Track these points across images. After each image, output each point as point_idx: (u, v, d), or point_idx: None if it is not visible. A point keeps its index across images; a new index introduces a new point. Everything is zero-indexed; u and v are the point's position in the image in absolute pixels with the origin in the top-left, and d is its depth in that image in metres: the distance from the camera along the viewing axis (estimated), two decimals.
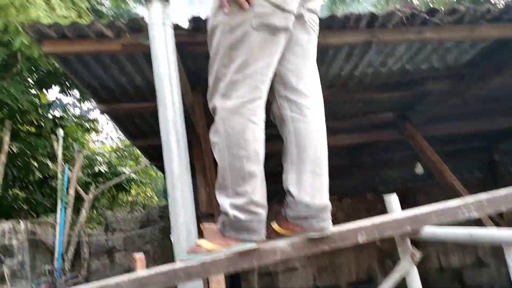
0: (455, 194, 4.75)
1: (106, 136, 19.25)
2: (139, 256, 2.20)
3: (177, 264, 1.77)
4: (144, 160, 10.83)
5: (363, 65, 3.81)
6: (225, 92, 1.82)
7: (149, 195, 13.93)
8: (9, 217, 8.85)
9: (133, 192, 12.10)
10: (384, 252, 7.20)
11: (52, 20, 4.90)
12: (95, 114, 19.20)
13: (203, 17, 3.06)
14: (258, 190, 1.80)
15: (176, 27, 2.93)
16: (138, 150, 11.79)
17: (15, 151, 9.34)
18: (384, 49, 3.51)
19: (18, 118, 9.91)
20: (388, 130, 5.48)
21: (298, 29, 1.96)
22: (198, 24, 3.10)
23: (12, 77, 7.98)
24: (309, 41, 2.00)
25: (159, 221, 7.71)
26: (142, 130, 5.22)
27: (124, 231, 7.63)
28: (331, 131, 5.03)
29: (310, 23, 2.00)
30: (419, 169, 6.93)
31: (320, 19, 2.99)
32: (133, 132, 5.25)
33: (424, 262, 6.42)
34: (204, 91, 4.05)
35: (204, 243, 1.81)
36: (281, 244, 1.82)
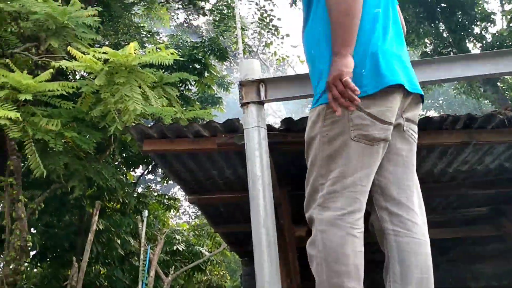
0: None
1: (184, 211, 19.78)
2: None
3: None
4: (221, 241, 10.88)
5: (457, 163, 3.68)
6: (323, 203, 1.79)
7: (222, 273, 13.84)
8: None
9: (207, 271, 12.09)
10: None
11: (149, 111, 5.26)
12: (174, 190, 19.87)
13: (294, 119, 3.15)
14: None
15: (269, 128, 3.03)
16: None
17: (100, 227, 9.76)
18: (481, 148, 3.38)
19: (106, 196, 10.47)
20: (482, 225, 5.16)
21: (398, 139, 1.92)
22: (289, 125, 3.18)
23: (105, 159, 8.51)
24: (409, 151, 1.95)
25: None
26: (225, 218, 5.29)
27: None
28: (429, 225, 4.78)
29: (409, 133, 1.96)
30: None
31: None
32: (216, 220, 5.33)
33: None
34: (291, 185, 4.10)
35: None
36: None
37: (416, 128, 2.01)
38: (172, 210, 13.26)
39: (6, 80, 4.88)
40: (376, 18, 1.92)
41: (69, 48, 5.28)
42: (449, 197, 4.59)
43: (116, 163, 10.71)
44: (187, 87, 10.80)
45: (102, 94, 5.12)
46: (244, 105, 2.74)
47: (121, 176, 10.84)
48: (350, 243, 1.71)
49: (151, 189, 13.47)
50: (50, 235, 9.87)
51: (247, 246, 5.67)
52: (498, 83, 11.75)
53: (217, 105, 11.23)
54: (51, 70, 5.23)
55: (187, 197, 4.40)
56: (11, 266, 6.54)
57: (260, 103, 2.74)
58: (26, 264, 10.85)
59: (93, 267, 10.37)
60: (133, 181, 11.96)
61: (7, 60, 5.48)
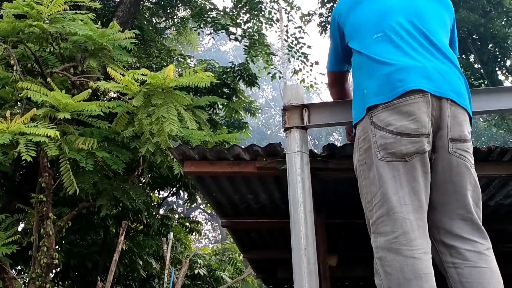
0: None
1: (204, 235, 19.71)
2: None
3: None
4: (241, 265, 10.76)
5: (500, 196, 3.58)
6: (376, 229, 1.79)
7: None
8: None
9: None
10: None
11: (184, 133, 5.29)
12: (196, 213, 19.86)
13: (338, 145, 3.13)
14: None
15: (311, 154, 3.00)
16: (236, 255, 11.83)
17: (124, 248, 9.75)
18: None
19: (130, 216, 10.51)
20: None
21: (444, 163, 1.86)
22: (332, 151, 3.16)
23: (132, 180, 8.56)
24: (459, 174, 1.87)
25: None
26: (255, 243, 5.23)
27: None
28: None
29: (457, 154, 1.87)
30: None
31: None
32: (247, 245, 5.28)
33: None
34: (327, 212, 4.05)
35: None
36: None
37: (467, 145, 1.91)
38: (194, 233, 13.22)
39: (46, 98, 4.98)
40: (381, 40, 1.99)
41: (108, 69, 5.37)
42: (489, 232, 4.45)
43: (141, 184, 10.77)
44: (215, 111, 10.88)
45: (139, 115, 5.17)
46: (287, 130, 2.73)
47: (146, 198, 10.90)
48: (409, 265, 1.67)
49: (174, 212, 13.44)
50: (74, 254, 9.88)
51: (274, 273, 5.59)
52: None
53: (243, 130, 11.27)
54: (89, 90, 5.33)
55: (220, 220, 4.38)
56: (36, 283, 6.56)
57: (304, 128, 2.74)
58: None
59: None
60: (157, 203, 11.98)
61: (48, 79, 5.60)
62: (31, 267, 6.87)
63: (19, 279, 7.46)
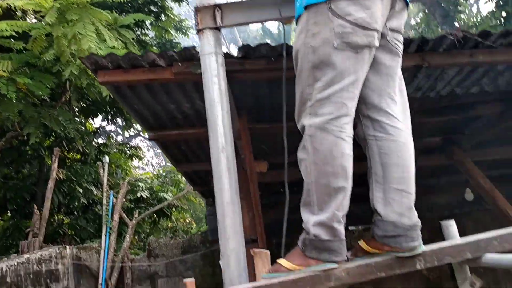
0: (508, 221, 4.57)
1: (147, 162, 19.68)
2: (190, 281, 2.20)
3: (258, 283, 1.84)
4: (185, 187, 10.95)
5: (410, 89, 3.76)
6: (312, 111, 1.86)
7: (188, 221, 14.02)
8: (54, 242, 9.08)
9: (173, 218, 12.22)
10: (432, 282, 6.94)
11: (103, 51, 5.09)
12: (137, 141, 19.67)
13: (252, 45, 3.13)
14: (342, 207, 1.81)
15: (227, 56, 3.00)
16: (178, 177, 11.97)
17: (61, 177, 9.63)
18: (433, 73, 3.46)
19: (65, 145, 10.28)
20: (435, 155, 5.36)
21: (380, 48, 1.96)
22: (247, 51, 3.16)
23: (61, 106, 8.28)
24: (392, 60, 2.00)
25: (200, 247, 7.73)
26: (187, 156, 5.30)
27: (166, 257, 7.67)
28: None
29: (393, 43, 1.99)
30: (468, 195, 6.71)
31: None
32: (178, 158, 5.34)
33: None
34: (250, 116, 4.12)
35: (284, 262, 1.84)
36: (366, 262, 1.84)
37: (401, 37, 2.03)
38: (135, 159, 13.20)
39: None
40: None
41: None
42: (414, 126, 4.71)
43: (74, 112, 10.45)
44: (144, 32, 10.49)
45: (54, 33, 4.90)
46: (199, 31, 2.69)
47: (79, 126, 10.63)
48: (338, 145, 1.80)
49: (112, 140, 13.25)
50: (10, 187, 9.67)
51: (210, 185, 5.73)
52: (456, 23, 11.90)
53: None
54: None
55: (148, 134, 4.37)
56: None
57: (217, 28, 2.70)
58: None
59: (56, 217, 10.30)
60: (92, 131, 11.74)
61: None
62: None
63: None
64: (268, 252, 2.06)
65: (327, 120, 1.81)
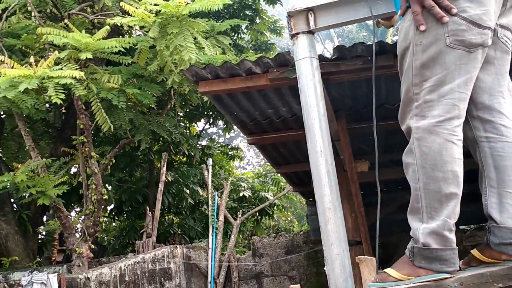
0: None
1: (248, 161, 20.18)
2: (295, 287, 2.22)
3: None
4: (285, 185, 11.06)
5: None
6: (420, 112, 1.78)
7: (289, 219, 14.15)
8: (166, 241, 9.66)
9: (274, 216, 12.41)
10: None
11: (203, 59, 5.32)
12: (237, 142, 20.27)
13: (347, 46, 3.09)
14: (454, 214, 1.72)
15: (321, 58, 2.98)
16: (278, 176, 12.13)
17: (170, 179, 10.20)
18: None
19: (172, 149, 10.88)
20: None
21: (491, 46, 1.84)
22: (342, 53, 3.12)
23: (167, 113, 8.77)
24: (502, 58, 1.90)
25: (303, 246, 7.76)
26: (286, 158, 5.37)
27: (270, 256, 7.81)
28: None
29: (503, 40, 1.89)
30: None
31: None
32: (278, 160, 5.42)
33: None
34: (348, 117, 4.07)
35: (391, 272, 1.78)
36: (481, 272, 1.72)
37: (510, 34, 1.92)
38: (236, 160, 13.59)
39: (66, 40, 5.08)
40: None
41: (121, 3, 5.37)
42: None
43: (178, 118, 11.04)
44: (239, 36, 10.75)
45: (157, 47, 5.21)
46: (293, 36, 2.70)
47: (184, 130, 11.20)
48: (448, 149, 1.71)
49: (214, 141, 13.78)
50: (124, 190, 10.43)
51: (310, 186, 5.74)
52: None
53: (271, 51, 11.11)
54: (107, 27, 5.39)
55: (247, 138, 4.50)
56: (91, 219, 7.05)
57: (310, 32, 2.69)
58: (105, 218, 11.68)
59: (166, 217, 10.93)
60: (196, 134, 12.30)
61: (66, 21, 5.68)
62: (84, 205, 7.36)
63: (73, 217, 7.98)
64: (374, 259, 2.02)
65: (436, 123, 1.72)
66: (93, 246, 7.33)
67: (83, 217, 7.53)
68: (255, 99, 3.71)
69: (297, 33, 2.68)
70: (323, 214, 2.52)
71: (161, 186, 7.93)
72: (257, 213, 11.04)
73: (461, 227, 6.89)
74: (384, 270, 1.83)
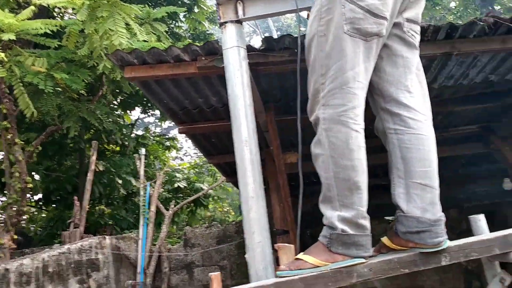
0: None
1: (185, 152, 19.96)
2: (215, 275, 2.22)
3: (270, 281, 1.82)
4: (221, 177, 11.05)
5: (442, 77, 3.65)
6: (325, 102, 1.82)
7: (225, 210, 14.18)
8: (96, 232, 9.38)
9: (210, 207, 12.37)
10: (471, 273, 6.77)
11: (135, 46, 5.17)
12: (174, 132, 19.99)
13: (275, 37, 3.10)
14: (364, 202, 1.77)
15: (249, 48, 2.99)
16: (214, 167, 12.11)
17: (101, 169, 9.90)
18: (465, 60, 3.34)
19: (104, 138, 10.55)
20: (471, 144, 5.21)
21: (397, 40, 1.92)
22: (270, 44, 3.14)
23: (98, 100, 8.49)
24: (409, 52, 1.95)
25: (235, 236, 7.81)
26: (218, 148, 5.35)
27: (202, 246, 7.79)
28: None
29: (409, 34, 1.94)
30: (507, 184, 6.47)
31: None
32: (210, 150, 5.39)
33: None
34: (276, 109, 4.11)
35: (308, 258, 1.80)
36: (389, 258, 1.80)
37: (418, 28, 1.98)
38: (172, 150, 13.42)
39: None
40: None
41: None
42: (437, 117, 4.60)
43: (111, 105, 10.71)
44: (177, 24, 10.57)
45: (86, 30, 5.02)
46: (222, 25, 2.68)
47: (117, 118, 10.88)
48: (353, 138, 1.76)
49: (149, 131, 13.51)
50: (53, 179, 10.02)
51: None
52: (495, 6, 11.39)
53: None
54: (33, 7, 5.12)
55: (178, 128, 4.44)
56: (13, 208, 6.71)
57: (238, 21, 2.69)
58: (32, 208, 11.17)
59: (97, 208, 10.61)
60: (131, 123, 12.00)
61: None
62: (7, 193, 6.99)
63: None
64: (292, 246, 2.05)
65: (340, 112, 1.77)
66: (16, 237, 6.97)
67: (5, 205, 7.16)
68: (184, 87, 3.66)
69: (225, 22, 2.67)
70: (246, 203, 2.53)
71: (90, 176, 7.67)
72: (192, 204, 10.96)
73: (386, 217, 7.18)
74: (298, 256, 1.86)
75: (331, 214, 1.78)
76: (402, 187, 1.86)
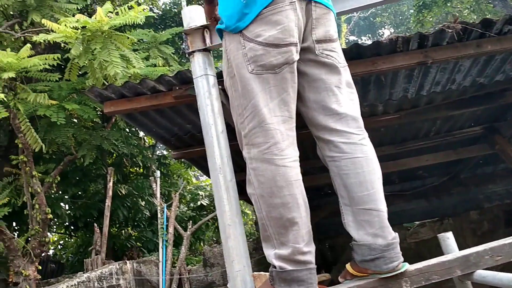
0: None
1: None
2: (257, 274, 2.20)
3: None
4: None
5: (428, 84, 3.55)
6: (248, 141, 1.80)
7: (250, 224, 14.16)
8: (123, 255, 9.52)
9: None
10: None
11: (142, 73, 5.25)
12: None
13: None
14: (302, 237, 1.72)
15: (219, 75, 2.98)
16: None
17: (124, 192, 10.07)
18: (446, 66, 3.24)
19: (125, 162, 10.74)
20: (478, 145, 5.03)
21: (312, 64, 1.86)
22: None
23: (111, 127, 8.66)
24: (328, 73, 1.87)
25: (253, 253, 7.77)
26: None
27: (221, 265, 7.79)
28: (415, 152, 4.70)
29: (323, 55, 1.87)
30: None
31: (366, 46, 2.86)
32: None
33: None
34: None
35: None
36: (349, 286, 1.78)
37: (333, 45, 1.89)
38: (194, 168, 13.50)
39: None
40: None
41: (43, 20, 5.26)
42: (436, 121, 4.47)
43: (133, 129, 10.89)
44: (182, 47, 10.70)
45: (80, 63, 5.14)
46: (190, 54, 2.69)
47: (138, 141, 11.05)
48: (281, 174, 1.72)
49: (170, 151, 13.66)
50: (79, 206, 10.26)
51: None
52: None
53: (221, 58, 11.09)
54: (29, 45, 5.27)
55: (172, 154, 4.46)
56: (37, 239, 6.89)
57: (206, 50, 2.68)
58: (60, 236, 11.44)
59: (123, 231, 10.78)
60: (151, 145, 12.17)
61: None
62: (30, 225, 7.19)
63: (18, 239, 7.78)
64: (267, 274, 2.02)
65: (264, 150, 1.73)
66: (40, 267, 7.15)
67: (29, 237, 7.35)
68: (169, 116, 3.68)
69: (193, 51, 2.66)
70: (224, 232, 2.50)
71: (108, 202, 7.82)
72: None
73: (404, 224, 7.01)
74: None
75: (268, 253, 1.76)
76: (350, 214, 1.81)
